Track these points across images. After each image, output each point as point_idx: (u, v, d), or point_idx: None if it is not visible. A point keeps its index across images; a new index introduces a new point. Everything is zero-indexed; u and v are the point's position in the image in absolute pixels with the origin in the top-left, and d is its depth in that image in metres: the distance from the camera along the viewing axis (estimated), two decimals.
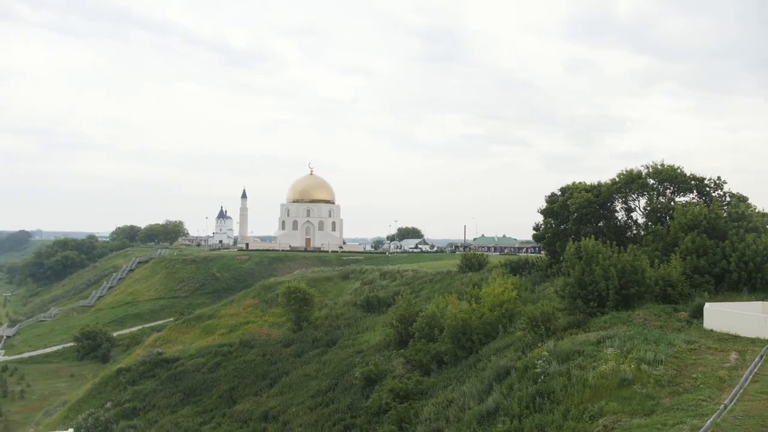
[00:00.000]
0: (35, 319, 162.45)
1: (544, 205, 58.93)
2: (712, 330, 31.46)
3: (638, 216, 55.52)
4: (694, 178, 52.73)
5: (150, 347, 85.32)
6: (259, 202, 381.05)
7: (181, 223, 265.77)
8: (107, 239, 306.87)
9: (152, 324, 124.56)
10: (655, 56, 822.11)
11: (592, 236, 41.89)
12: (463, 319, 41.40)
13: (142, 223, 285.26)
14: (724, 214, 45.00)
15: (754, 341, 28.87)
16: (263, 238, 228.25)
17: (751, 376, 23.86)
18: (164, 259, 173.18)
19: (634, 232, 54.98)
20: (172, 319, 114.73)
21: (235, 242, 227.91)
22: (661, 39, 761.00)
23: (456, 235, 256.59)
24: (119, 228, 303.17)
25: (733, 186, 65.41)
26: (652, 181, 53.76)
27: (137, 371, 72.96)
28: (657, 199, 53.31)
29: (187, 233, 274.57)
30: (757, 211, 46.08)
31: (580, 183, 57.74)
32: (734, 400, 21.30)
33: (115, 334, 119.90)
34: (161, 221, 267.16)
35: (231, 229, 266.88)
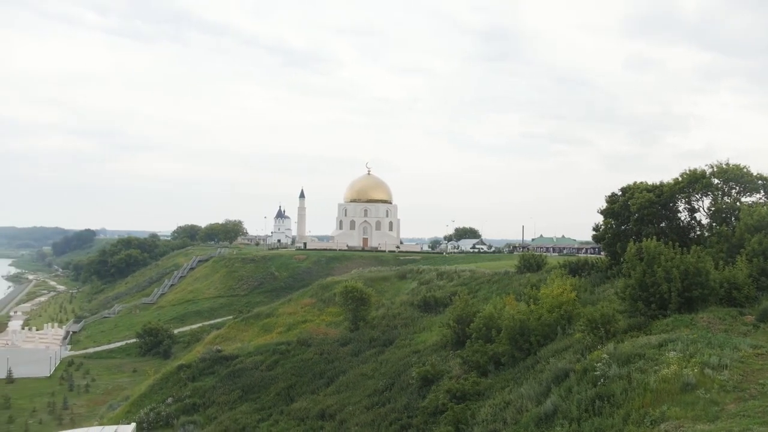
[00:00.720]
0: (100, 315, 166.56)
1: (603, 205, 57.96)
2: None
3: (702, 217, 54.15)
4: (761, 177, 51.21)
5: (209, 344, 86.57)
6: (316, 201, 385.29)
7: (240, 222, 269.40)
8: (169, 238, 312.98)
9: (212, 322, 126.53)
10: (720, 52, 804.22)
11: (654, 237, 40.97)
12: (521, 320, 40.97)
13: (203, 223, 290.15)
14: None
15: None
16: (321, 238, 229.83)
17: None
18: (224, 257, 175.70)
19: (698, 233, 53.64)
20: (231, 317, 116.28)
21: (293, 242, 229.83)
22: (727, 35, 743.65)
23: (514, 235, 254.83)
24: (180, 227, 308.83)
25: None
26: (716, 181, 52.36)
27: (197, 368, 74.08)
28: (722, 199, 51.93)
29: (246, 232, 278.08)
30: None
31: (641, 183, 56.62)
32: None
33: (176, 331, 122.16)
34: (221, 220, 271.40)
35: (289, 229, 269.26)
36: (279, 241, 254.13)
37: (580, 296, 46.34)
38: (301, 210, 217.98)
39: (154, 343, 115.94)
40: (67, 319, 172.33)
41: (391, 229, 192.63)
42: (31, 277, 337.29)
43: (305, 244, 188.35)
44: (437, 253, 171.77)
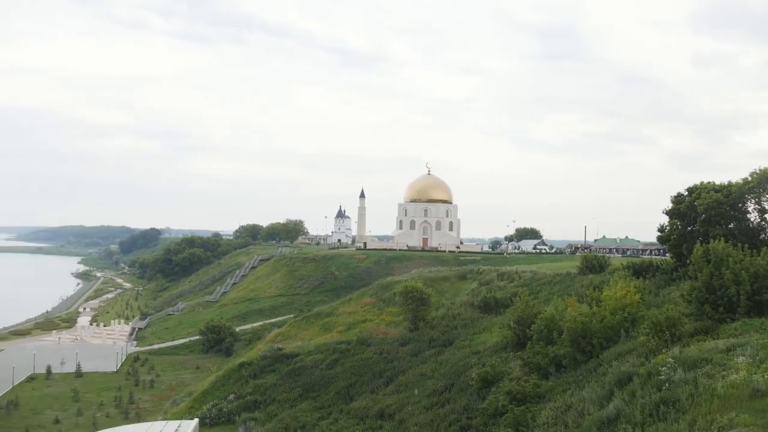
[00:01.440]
0: (164, 312, 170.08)
1: (669, 205, 56.70)
2: None
3: None
4: None
5: (270, 343, 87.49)
6: (376, 201, 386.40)
7: (301, 222, 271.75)
8: (231, 237, 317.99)
9: (273, 320, 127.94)
10: None
11: (722, 238, 39.90)
12: (583, 322, 40.35)
13: (264, 222, 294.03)
14: None
15: None
16: (381, 238, 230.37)
17: None
18: (285, 257, 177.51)
19: None
20: (291, 315, 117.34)
21: (353, 241, 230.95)
22: None
23: (576, 235, 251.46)
24: (242, 226, 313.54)
25: None
26: None
27: (258, 365, 74.91)
28: None
29: (307, 232, 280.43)
30: None
31: (708, 183, 55.19)
32: None
33: (237, 329, 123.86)
34: (282, 220, 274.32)
35: (349, 229, 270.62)
36: (339, 240, 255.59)
37: (644, 298, 45.41)
38: (362, 210, 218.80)
39: (217, 341, 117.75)
40: (133, 316, 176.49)
41: (451, 229, 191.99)
42: (98, 274, 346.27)
43: (365, 243, 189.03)
44: (498, 253, 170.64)
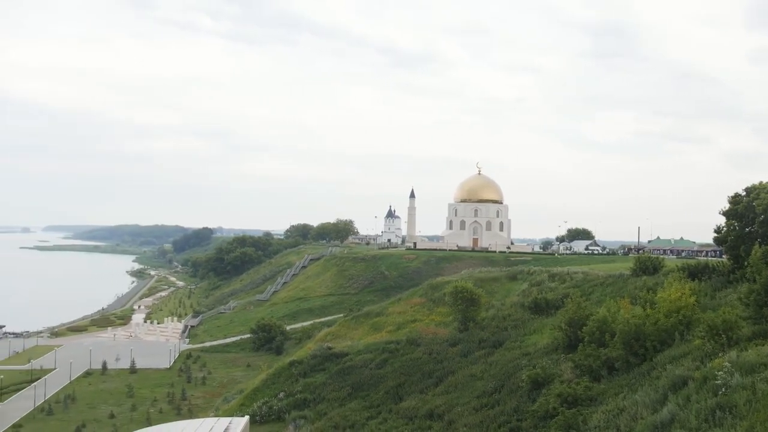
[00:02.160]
0: (216, 311, 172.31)
1: (726, 206, 55.43)
2: None
3: None
4: None
5: (320, 342, 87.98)
6: (426, 201, 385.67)
7: (351, 221, 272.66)
8: (282, 237, 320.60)
9: (323, 319, 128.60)
10: None
11: None
12: (637, 324, 39.70)
13: (314, 222, 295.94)
14: None
15: None
16: (431, 238, 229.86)
17: None
18: (335, 256, 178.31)
19: None
20: (341, 315, 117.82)
21: (403, 241, 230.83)
22: None
23: (629, 236, 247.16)
24: (293, 226, 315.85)
25: None
26: None
27: (308, 364, 75.37)
28: None
29: (357, 232, 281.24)
30: None
31: (767, 183, 53.85)
32: None
33: (288, 328, 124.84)
34: (332, 220, 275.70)
35: (399, 228, 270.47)
36: (389, 240, 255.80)
37: (699, 301, 44.54)
38: (411, 210, 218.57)
39: (268, 339, 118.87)
40: (186, 314, 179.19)
41: (501, 229, 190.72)
42: (152, 272, 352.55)
43: (415, 243, 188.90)
44: (549, 254, 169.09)
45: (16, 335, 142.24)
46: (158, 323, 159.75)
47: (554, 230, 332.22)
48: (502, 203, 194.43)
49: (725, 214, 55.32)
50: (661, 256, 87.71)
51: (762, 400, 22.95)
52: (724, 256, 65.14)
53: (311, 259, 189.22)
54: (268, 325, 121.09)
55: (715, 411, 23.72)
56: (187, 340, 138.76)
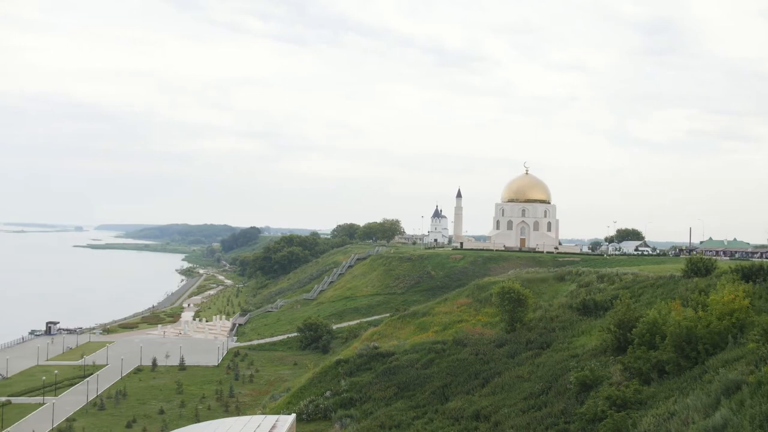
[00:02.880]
0: (263, 309, 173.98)
1: None
2: None
3: None
4: None
5: (366, 341, 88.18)
6: (473, 201, 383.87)
7: (397, 221, 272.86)
8: (328, 236, 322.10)
9: (369, 319, 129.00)
10: None
11: None
12: (688, 326, 38.94)
13: (361, 221, 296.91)
14: None
15: None
16: (477, 238, 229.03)
17: None
18: (381, 256, 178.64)
19: None
20: (387, 314, 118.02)
21: (450, 241, 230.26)
22: None
23: (680, 237, 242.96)
24: (339, 226, 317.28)
25: None
26: None
27: (354, 363, 75.59)
28: None
29: (404, 231, 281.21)
30: None
31: None
32: None
33: (334, 327, 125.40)
34: (379, 219, 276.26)
35: (446, 228, 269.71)
36: (435, 240, 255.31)
37: (754, 303, 43.52)
38: (458, 210, 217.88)
39: (314, 338, 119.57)
40: (234, 312, 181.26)
41: (549, 229, 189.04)
42: (201, 271, 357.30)
43: (462, 243, 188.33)
44: (597, 254, 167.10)
45: (70, 332, 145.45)
46: (207, 321, 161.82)
47: (603, 231, 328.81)
48: (549, 203, 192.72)
49: None
50: (714, 258, 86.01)
51: None
52: None
53: (358, 259, 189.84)
54: (314, 324, 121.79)
55: None
56: (235, 338, 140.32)
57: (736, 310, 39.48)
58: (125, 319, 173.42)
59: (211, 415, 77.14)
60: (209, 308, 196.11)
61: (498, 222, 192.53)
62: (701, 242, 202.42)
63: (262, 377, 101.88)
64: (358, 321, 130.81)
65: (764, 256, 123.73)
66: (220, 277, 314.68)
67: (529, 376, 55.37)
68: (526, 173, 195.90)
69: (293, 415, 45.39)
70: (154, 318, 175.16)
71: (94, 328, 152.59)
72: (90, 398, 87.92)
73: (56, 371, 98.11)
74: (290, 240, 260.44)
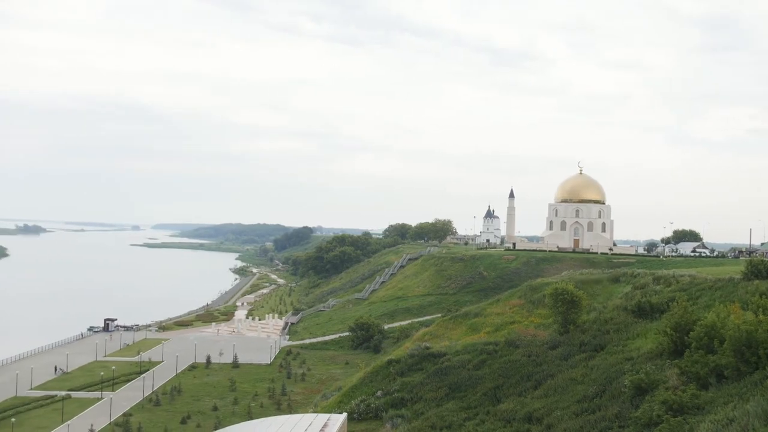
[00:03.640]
0: (315, 308, 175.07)
1: None
2: None
3: None
4: None
5: (418, 341, 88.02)
6: (526, 201, 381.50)
7: (449, 221, 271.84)
8: (380, 236, 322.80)
9: (420, 319, 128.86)
10: None
11: None
12: (748, 331, 37.94)
13: (413, 222, 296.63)
14: None
15: None
16: (530, 238, 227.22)
17: None
18: (433, 256, 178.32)
19: None
20: (439, 314, 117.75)
21: (502, 242, 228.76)
22: None
23: (740, 239, 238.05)
24: (391, 225, 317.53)
25: None
26: None
27: (406, 363, 75.52)
28: None
29: (456, 232, 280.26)
30: None
31: None
32: None
33: (385, 327, 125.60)
34: (431, 220, 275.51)
35: (498, 229, 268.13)
36: (488, 240, 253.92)
37: None
38: (511, 210, 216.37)
39: (366, 338, 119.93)
40: (286, 311, 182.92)
41: (603, 230, 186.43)
42: (254, 270, 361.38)
43: (514, 244, 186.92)
44: (653, 256, 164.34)
45: (127, 328, 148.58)
46: (260, 320, 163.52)
47: (659, 232, 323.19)
48: (604, 203, 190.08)
49: None
50: None
51: None
52: None
53: (409, 259, 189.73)
54: (366, 324, 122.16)
55: None
56: (288, 336, 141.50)
57: None
58: (180, 316, 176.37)
59: (263, 412, 77.87)
60: (262, 307, 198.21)
61: (551, 222, 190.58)
62: (762, 244, 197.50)
63: (314, 376, 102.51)
64: (409, 321, 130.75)
65: None
66: (273, 276, 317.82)
67: (583, 378, 54.63)
68: (580, 173, 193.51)
69: (344, 414, 45.57)
70: (208, 316, 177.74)
71: (150, 326, 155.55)
72: (146, 394, 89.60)
73: (114, 367, 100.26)
74: (342, 240, 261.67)
